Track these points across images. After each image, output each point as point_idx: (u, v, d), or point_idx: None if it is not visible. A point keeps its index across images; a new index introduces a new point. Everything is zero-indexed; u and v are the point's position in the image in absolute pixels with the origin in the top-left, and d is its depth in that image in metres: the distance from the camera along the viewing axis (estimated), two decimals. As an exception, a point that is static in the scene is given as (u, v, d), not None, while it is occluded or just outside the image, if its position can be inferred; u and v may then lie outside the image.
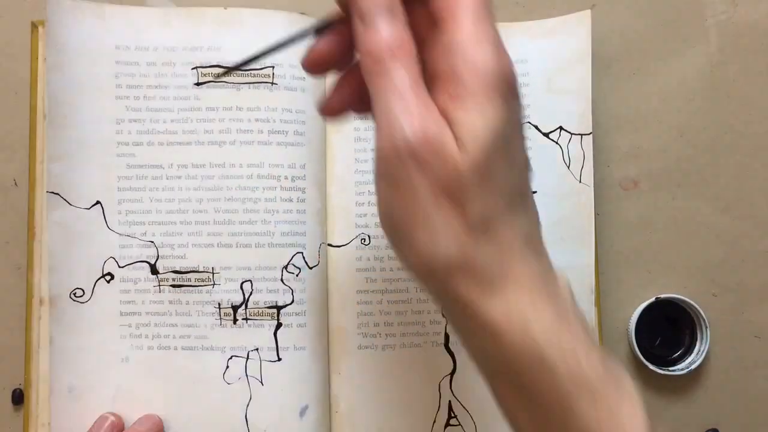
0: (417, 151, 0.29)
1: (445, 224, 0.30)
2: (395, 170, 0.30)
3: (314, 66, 0.33)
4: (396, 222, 0.31)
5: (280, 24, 0.46)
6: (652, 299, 0.47)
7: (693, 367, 0.47)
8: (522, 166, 0.31)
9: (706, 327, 0.47)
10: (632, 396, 0.30)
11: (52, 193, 0.45)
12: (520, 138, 0.31)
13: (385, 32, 0.30)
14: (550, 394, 0.29)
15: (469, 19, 0.30)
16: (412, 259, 0.32)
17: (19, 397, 0.46)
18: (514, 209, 0.31)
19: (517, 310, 0.30)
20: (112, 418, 0.44)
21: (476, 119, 0.29)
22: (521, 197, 0.31)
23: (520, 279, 0.30)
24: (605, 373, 0.30)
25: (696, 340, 0.47)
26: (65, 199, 0.45)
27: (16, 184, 0.47)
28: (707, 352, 0.47)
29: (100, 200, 0.45)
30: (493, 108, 0.29)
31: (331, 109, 0.34)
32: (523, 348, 0.29)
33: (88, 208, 0.45)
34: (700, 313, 0.47)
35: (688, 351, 0.48)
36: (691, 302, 0.47)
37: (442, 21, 0.30)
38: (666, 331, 0.48)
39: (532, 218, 0.32)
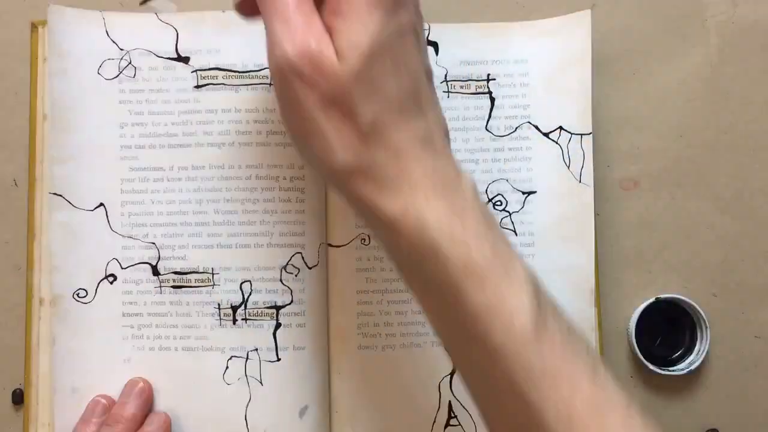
0: (297, 67, 0.32)
1: (337, 133, 0.32)
2: (282, 86, 0.33)
3: (246, 9, 0.37)
4: (295, 133, 0.35)
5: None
6: (652, 299, 0.47)
7: (693, 367, 0.47)
8: (413, 72, 0.33)
9: (706, 327, 0.47)
10: (521, 279, 0.32)
11: (56, 194, 0.45)
12: (409, 45, 0.33)
13: None
14: (442, 281, 0.32)
15: None
16: (315, 165, 0.35)
17: (19, 397, 0.46)
18: (406, 114, 0.33)
19: (413, 206, 0.32)
20: (103, 401, 0.44)
21: (355, 30, 0.32)
22: (414, 102, 0.33)
23: (415, 178, 0.33)
24: (494, 260, 0.32)
25: (696, 340, 0.47)
26: (68, 201, 0.45)
27: (16, 184, 0.48)
28: (707, 352, 0.47)
29: (104, 202, 0.45)
30: (371, 19, 0.32)
31: (243, 9, 0.37)
32: (419, 240, 0.32)
33: (92, 210, 0.45)
34: (700, 313, 0.47)
35: (688, 351, 0.48)
36: (691, 302, 0.47)
37: None
38: (666, 331, 0.48)
39: (429, 122, 0.34)
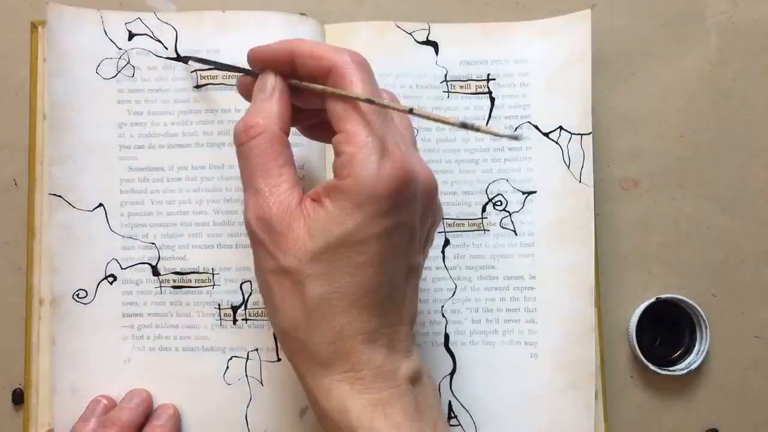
0: (258, 235, 0.33)
1: (284, 301, 0.33)
2: (250, 241, 0.35)
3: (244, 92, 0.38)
4: (258, 283, 0.36)
5: (279, 25, 0.46)
6: (652, 299, 0.47)
7: (693, 367, 0.47)
8: (385, 272, 0.33)
9: (706, 327, 0.47)
10: None
11: (55, 195, 0.45)
12: (395, 245, 0.33)
13: (247, 116, 0.34)
14: None
15: (359, 127, 0.32)
16: (267, 315, 0.37)
17: (19, 397, 0.46)
18: (359, 306, 0.32)
19: (338, 390, 0.33)
20: (104, 401, 0.44)
21: (335, 216, 0.32)
22: (373, 297, 0.33)
23: (346, 365, 0.33)
24: None
25: (696, 340, 0.47)
26: (67, 201, 0.45)
27: (16, 184, 0.47)
28: (707, 352, 0.47)
29: (103, 203, 0.45)
30: (352, 217, 0.31)
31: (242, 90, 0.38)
32: (340, 423, 0.32)
33: (91, 211, 0.45)
34: (700, 313, 0.47)
35: (688, 351, 0.48)
36: (691, 302, 0.47)
37: (337, 119, 0.33)
38: (666, 331, 0.48)
39: (387, 317, 0.34)
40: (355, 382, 0.33)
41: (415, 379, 0.34)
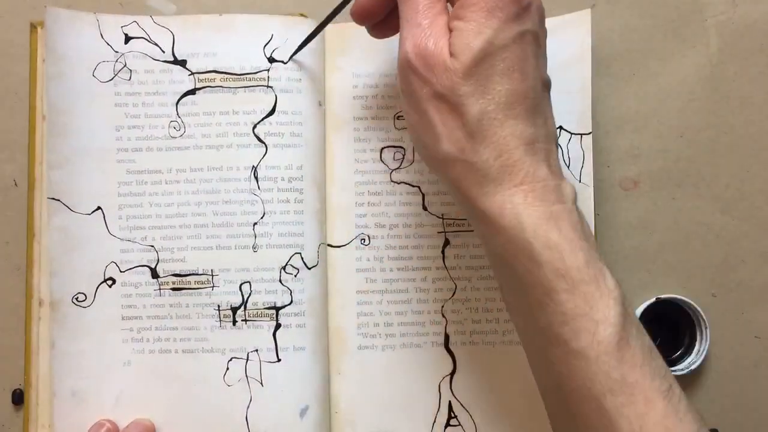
0: (413, 64, 0.35)
1: (445, 125, 0.35)
2: (403, 80, 0.37)
3: (360, 17, 0.40)
4: (411, 122, 0.37)
5: (275, 28, 0.46)
6: (652, 299, 0.47)
7: (693, 367, 0.47)
8: (527, 78, 0.35)
9: (706, 327, 0.47)
10: (611, 292, 0.33)
11: (53, 199, 0.45)
12: (528, 52, 0.35)
13: None
14: (534, 281, 0.33)
15: None
16: (422, 153, 0.38)
17: (19, 398, 0.46)
18: (513, 115, 0.35)
19: (511, 204, 0.34)
20: (107, 425, 0.44)
21: (470, 31, 0.34)
22: (523, 106, 0.35)
23: (516, 178, 0.34)
24: (587, 270, 0.33)
25: (696, 340, 0.47)
26: (66, 205, 0.45)
27: (16, 184, 0.48)
28: (707, 352, 0.47)
29: (101, 206, 0.46)
30: (488, 23, 0.34)
31: (376, 33, 0.41)
32: (514, 239, 0.34)
33: (89, 214, 0.45)
34: (700, 313, 0.47)
35: (688, 351, 0.48)
36: (691, 302, 0.47)
37: None
38: (666, 331, 0.48)
39: (537, 128, 0.35)
40: (527, 194, 0.34)
41: (575, 201, 0.36)
